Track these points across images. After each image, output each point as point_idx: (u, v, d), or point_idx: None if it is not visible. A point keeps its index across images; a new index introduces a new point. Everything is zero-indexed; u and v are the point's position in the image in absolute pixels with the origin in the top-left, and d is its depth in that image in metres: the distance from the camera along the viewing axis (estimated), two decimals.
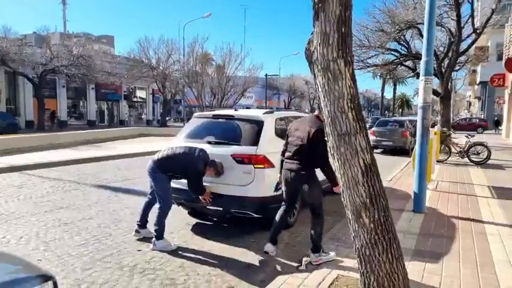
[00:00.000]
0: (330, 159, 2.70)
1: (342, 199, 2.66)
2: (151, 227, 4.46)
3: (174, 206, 4.71)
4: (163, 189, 4.40)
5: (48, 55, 24.33)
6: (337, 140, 2.53)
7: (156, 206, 4.43)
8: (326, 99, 2.54)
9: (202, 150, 4.52)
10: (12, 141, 13.65)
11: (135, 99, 38.10)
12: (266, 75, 41.35)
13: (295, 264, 3.87)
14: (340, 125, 2.50)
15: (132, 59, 30.98)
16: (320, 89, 2.58)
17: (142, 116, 37.16)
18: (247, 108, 21.44)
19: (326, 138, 2.67)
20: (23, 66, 23.68)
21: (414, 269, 3.44)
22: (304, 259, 3.90)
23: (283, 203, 4.17)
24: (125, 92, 36.11)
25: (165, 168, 4.35)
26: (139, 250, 4.24)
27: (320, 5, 2.43)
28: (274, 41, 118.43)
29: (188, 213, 5.58)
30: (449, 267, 3.57)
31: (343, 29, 2.44)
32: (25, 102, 27.09)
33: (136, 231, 4.58)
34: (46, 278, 1.84)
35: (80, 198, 6.54)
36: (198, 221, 5.39)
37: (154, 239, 4.28)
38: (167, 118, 34.61)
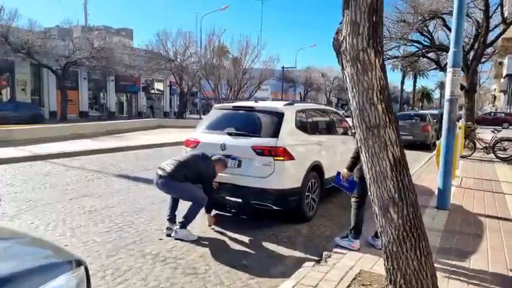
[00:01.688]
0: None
1: (369, 193, 2.59)
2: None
3: None
4: (188, 193, 4.37)
5: (71, 48, 24.84)
6: (366, 133, 2.46)
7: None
8: (354, 90, 2.47)
9: (203, 153, 4.60)
10: (37, 131, 14.05)
11: (152, 91, 38.52)
12: (283, 67, 41.00)
13: (316, 258, 3.83)
14: (369, 117, 2.43)
15: (150, 52, 31.25)
16: (348, 80, 2.51)
17: (155, 110, 37.50)
18: (263, 100, 21.21)
19: (354, 130, 2.60)
20: (47, 59, 24.25)
21: (440, 267, 3.34)
22: (325, 253, 3.86)
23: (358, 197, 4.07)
24: (143, 84, 36.54)
25: (181, 176, 4.30)
26: (160, 239, 4.29)
27: None
28: (291, 34, 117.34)
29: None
30: (477, 267, 3.47)
31: (374, 18, 2.35)
32: (49, 94, 27.74)
33: (168, 228, 4.41)
34: (78, 263, 1.87)
35: (102, 187, 6.67)
36: (217, 212, 5.41)
37: (177, 226, 4.30)
38: (184, 110, 34.88)
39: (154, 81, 38.34)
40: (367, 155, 2.50)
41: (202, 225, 4.81)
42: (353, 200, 4.06)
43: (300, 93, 50.43)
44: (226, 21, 65.82)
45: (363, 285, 3.00)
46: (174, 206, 4.52)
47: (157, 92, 39.64)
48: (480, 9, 14.29)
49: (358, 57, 2.41)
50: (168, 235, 4.35)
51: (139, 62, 30.49)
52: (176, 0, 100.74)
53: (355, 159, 3.94)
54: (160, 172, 4.35)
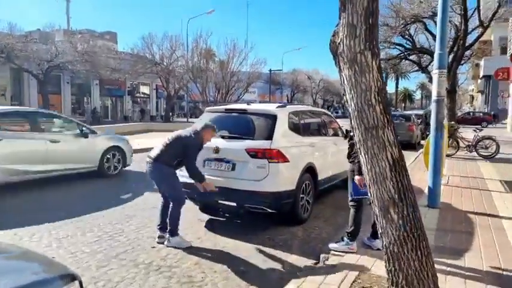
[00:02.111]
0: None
1: (369, 194, 2.59)
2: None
3: (187, 202, 4.63)
4: (171, 187, 4.29)
5: (53, 51, 24.26)
6: (364, 134, 2.46)
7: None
8: (352, 92, 2.46)
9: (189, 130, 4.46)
10: None
11: (137, 95, 38.05)
12: (270, 70, 41.16)
13: (313, 261, 3.81)
14: (368, 118, 2.43)
15: (135, 55, 30.84)
16: (346, 82, 2.50)
17: (144, 109, 37.01)
18: (249, 103, 21.26)
19: (352, 133, 2.59)
20: (28, 63, 23.62)
21: (436, 267, 3.33)
22: (322, 256, 3.85)
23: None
24: (128, 87, 36.06)
25: (167, 158, 4.22)
26: (153, 247, 4.19)
27: None
28: (277, 37, 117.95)
29: (200, 209, 5.52)
30: (472, 265, 3.51)
31: (370, 21, 2.36)
32: (30, 99, 27.03)
33: (160, 236, 4.31)
34: (72, 277, 1.79)
35: (89, 195, 6.49)
36: (211, 217, 5.33)
37: (168, 235, 4.21)
38: (171, 114, 34.56)
39: (140, 84, 37.89)
40: (366, 156, 2.49)
41: (195, 231, 4.74)
42: (351, 203, 4.04)
43: (287, 96, 50.65)
44: (212, 25, 65.87)
45: (363, 287, 2.99)
46: (164, 213, 4.38)
47: (143, 95, 39.18)
48: (458, 14, 14.69)
49: (356, 59, 2.41)
50: (161, 243, 4.25)
51: (124, 66, 30.01)
52: (161, 4, 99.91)
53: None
54: (148, 159, 4.33)
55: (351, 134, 3.15)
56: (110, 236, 4.50)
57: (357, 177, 3.92)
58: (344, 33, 2.42)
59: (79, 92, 32.10)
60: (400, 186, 2.43)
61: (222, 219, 5.32)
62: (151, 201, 6.10)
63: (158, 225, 4.38)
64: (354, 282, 3.10)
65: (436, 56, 5.62)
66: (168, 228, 4.21)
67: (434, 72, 5.64)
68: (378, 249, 3.80)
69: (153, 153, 4.30)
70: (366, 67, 2.40)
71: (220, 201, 4.86)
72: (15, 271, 1.72)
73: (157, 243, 4.27)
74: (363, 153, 2.52)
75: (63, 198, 6.36)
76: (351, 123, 2.57)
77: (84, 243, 4.25)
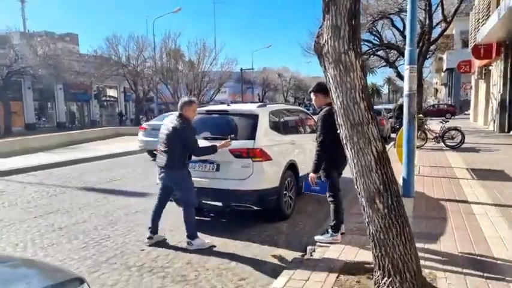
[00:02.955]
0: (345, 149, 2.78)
1: (356, 187, 2.75)
2: (163, 230, 4.41)
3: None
4: (184, 191, 4.25)
5: (12, 56, 23.13)
6: (350, 130, 2.62)
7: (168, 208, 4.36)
8: (338, 90, 2.61)
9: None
10: None
11: (104, 98, 36.98)
12: (241, 69, 41.19)
13: (300, 253, 3.96)
14: (353, 115, 2.59)
15: (100, 57, 29.95)
16: (331, 81, 2.65)
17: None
18: (222, 103, 21.48)
19: (338, 129, 2.75)
20: None
21: None
22: (309, 248, 4.00)
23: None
24: (94, 91, 34.98)
25: (176, 161, 4.12)
26: (142, 250, 4.20)
27: None
28: (245, 35, 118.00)
29: None
30: (447, 247, 3.77)
31: (353, 22, 2.51)
32: None
33: (149, 237, 4.32)
34: (81, 280, 1.83)
35: (68, 202, 6.35)
36: (197, 217, 5.35)
37: (188, 239, 4.20)
38: (141, 116, 33.87)
39: (107, 87, 36.85)
40: (352, 151, 2.65)
41: (183, 231, 4.74)
42: (330, 199, 4.20)
43: (258, 94, 50.93)
44: (179, 24, 64.77)
45: (350, 274, 3.16)
46: (156, 218, 4.36)
47: (110, 98, 38.13)
48: (423, 9, 15.40)
49: (340, 59, 2.55)
50: (152, 245, 4.26)
51: (89, 69, 29.10)
52: (122, 4, 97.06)
53: (319, 161, 4.02)
54: (157, 167, 4.28)
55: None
56: (96, 242, 4.46)
57: (311, 175, 4.11)
58: (328, 34, 2.57)
59: (42, 98, 30.82)
60: (385, 178, 2.60)
61: (207, 219, 5.38)
62: (134, 205, 6.06)
63: (150, 229, 4.36)
64: (341, 270, 3.26)
65: (406, 52, 5.91)
66: (188, 234, 4.20)
67: (406, 68, 5.94)
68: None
69: (161, 161, 4.22)
70: (350, 66, 2.55)
71: (206, 202, 4.91)
72: (30, 277, 1.73)
73: (148, 245, 4.27)
74: (349, 148, 2.68)
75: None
76: (337, 120, 2.72)
77: (71, 250, 4.19)
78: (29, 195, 6.94)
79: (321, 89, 4.11)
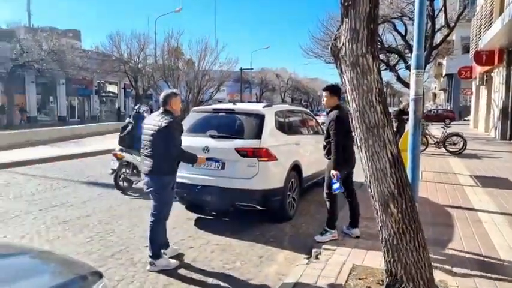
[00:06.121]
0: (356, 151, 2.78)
1: (369, 190, 2.74)
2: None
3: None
4: (164, 201, 3.70)
5: (18, 50, 23.16)
6: (366, 133, 2.61)
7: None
8: (354, 93, 2.60)
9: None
10: None
11: (104, 94, 36.96)
12: (241, 69, 41.13)
13: (305, 255, 3.95)
14: (369, 118, 2.58)
15: (102, 54, 30.10)
16: (348, 84, 2.64)
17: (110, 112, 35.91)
18: (219, 102, 21.56)
19: (353, 132, 2.74)
20: None
21: None
22: (314, 250, 3.99)
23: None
24: (95, 86, 34.98)
25: (165, 166, 3.61)
26: (146, 246, 4.17)
27: (350, 2, 2.48)
28: (245, 35, 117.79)
29: (186, 207, 5.52)
30: (456, 254, 3.76)
31: (372, 26, 2.50)
32: None
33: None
34: (99, 274, 1.82)
35: (71, 196, 6.34)
36: (199, 215, 5.36)
37: (151, 259, 3.62)
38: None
39: (108, 83, 36.84)
40: (367, 154, 2.64)
41: (186, 229, 4.76)
42: (327, 196, 4.28)
43: (256, 94, 50.86)
44: (181, 23, 64.50)
45: (359, 278, 3.15)
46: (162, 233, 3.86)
47: (110, 94, 38.10)
48: (426, 14, 15.40)
49: (358, 62, 2.55)
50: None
51: (91, 64, 29.17)
52: (124, 2, 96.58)
53: (337, 157, 4.08)
54: (145, 169, 3.70)
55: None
56: (101, 236, 4.47)
57: (333, 172, 4.07)
58: (346, 37, 2.56)
59: (45, 92, 30.77)
60: (400, 182, 2.59)
61: (209, 217, 5.36)
62: (138, 200, 6.06)
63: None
64: (349, 274, 3.25)
65: (413, 56, 5.85)
66: (151, 252, 3.63)
67: (412, 72, 5.90)
68: (357, 236, 4.23)
69: (146, 167, 3.67)
70: (367, 69, 2.54)
71: (209, 200, 4.91)
72: (48, 269, 1.73)
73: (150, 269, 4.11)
74: (363, 151, 2.67)
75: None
76: (352, 122, 2.71)
77: (76, 244, 4.19)
78: (33, 188, 6.93)
79: (336, 90, 4.32)
